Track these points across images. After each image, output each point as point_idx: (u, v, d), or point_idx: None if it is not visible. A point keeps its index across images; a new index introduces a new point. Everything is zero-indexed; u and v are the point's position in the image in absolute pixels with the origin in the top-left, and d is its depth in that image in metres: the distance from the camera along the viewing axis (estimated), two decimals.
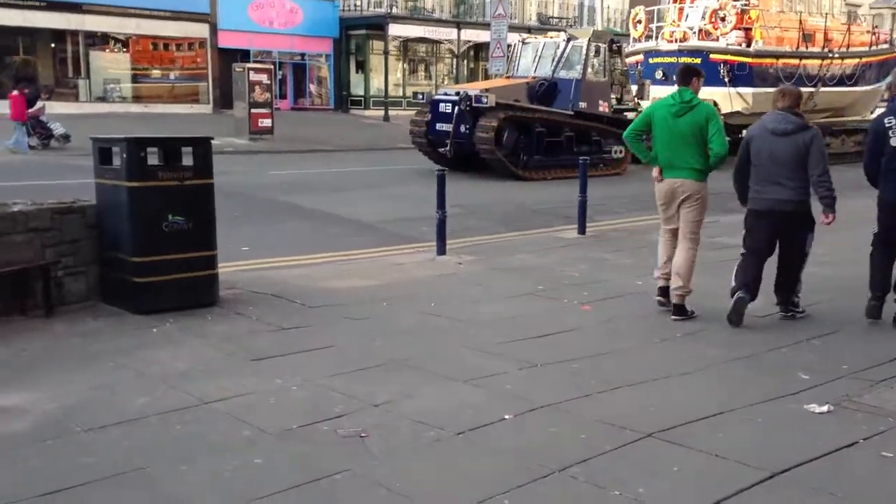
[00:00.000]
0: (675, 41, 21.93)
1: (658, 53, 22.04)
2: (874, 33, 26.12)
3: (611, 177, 18.34)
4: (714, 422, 4.28)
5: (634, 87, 21.68)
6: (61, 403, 4.34)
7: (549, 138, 17.82)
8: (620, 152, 18.87)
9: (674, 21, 22.82)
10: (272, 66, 28.09)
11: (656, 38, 22.44)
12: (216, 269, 6.60)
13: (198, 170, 6.37)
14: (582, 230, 10.55)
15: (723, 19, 21.64)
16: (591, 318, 6.49)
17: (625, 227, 11.46)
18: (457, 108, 17.03)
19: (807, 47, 22.74)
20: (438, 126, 17.59)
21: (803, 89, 21.84)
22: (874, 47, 25.12)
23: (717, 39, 21.44)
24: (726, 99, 20.89)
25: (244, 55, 32.50)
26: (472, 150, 17.07)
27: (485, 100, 16.76)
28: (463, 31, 38.30)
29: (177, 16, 31.94)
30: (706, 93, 20.53)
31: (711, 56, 20.93)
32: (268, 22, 33.80)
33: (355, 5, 37.46)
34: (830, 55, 23.27)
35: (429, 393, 4.64)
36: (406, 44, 38.33)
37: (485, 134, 16.67)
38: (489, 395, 4.61)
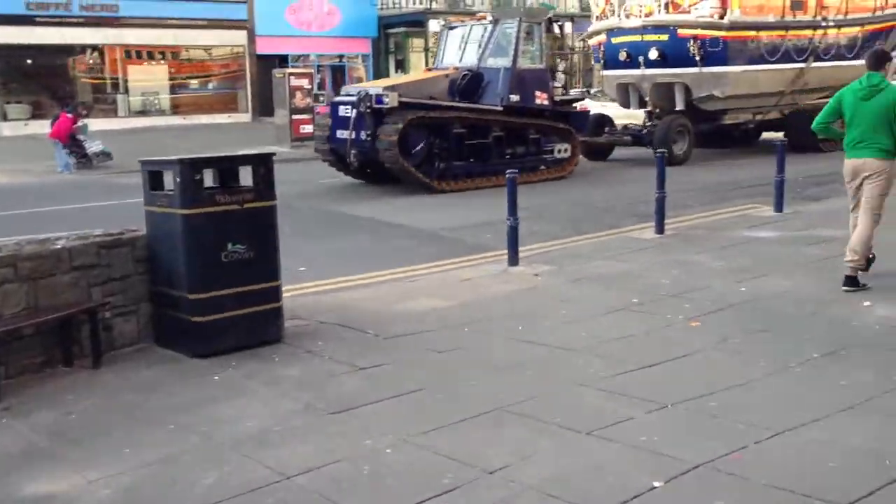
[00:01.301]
0: (641, 16, 18.63)
1: (621, 31, 18.68)
2: None
3: (556, 180, 15.66)
4: None
5: (609, 73, 19.16)
6: (116, 488, 3.64)
7: (472, 140, 14.82)
8: (566, 151, 16.31)
9: None
10: (311, 71, 27.55)
11: (619, 13, 18.99)
12: (281, 301, 5.92)
13: (259, 191, 5.69)
14: (660, 229, 9.70)
15: None
16: (703, 337, 5.66)
17: (703, 224, 10.56)
18: (355, 110, 14.31)
19: (794, 15, 18.76)
20: (339, 133, 14.70)
21: (790, 66, 18.70)
22: (880, 13, 20.40)
23: (689, 11, 18.08)
24: (698, 81, 17.84)
25: (282, 60, 32.02)
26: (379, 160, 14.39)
27: (385, 99, 13.98)
28: None
29: (214, 24, 31.55)
30: (674, 74, 17.85)
31: (680, 31, 17.68)
32: (305, 25, 33.24)
33: (394, 3, 36.77)
34: (824, 24, 19.16)
35: (550, 451, 3.88)
36: None
37: (386, 139, 13.83)
38: (624, 452, 3.83)
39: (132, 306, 5.78)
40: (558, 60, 17.02)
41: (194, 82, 33.05)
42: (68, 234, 5.75)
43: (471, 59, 15.80)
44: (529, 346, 5.64)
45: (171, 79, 32.25)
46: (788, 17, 18.50)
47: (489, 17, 16.01)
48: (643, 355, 5.28)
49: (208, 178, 5.60)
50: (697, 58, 17.42)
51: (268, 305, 5.77)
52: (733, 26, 17.64)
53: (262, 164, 5.74)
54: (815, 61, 19.08)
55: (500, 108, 15.16)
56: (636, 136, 18.47)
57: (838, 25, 19.36)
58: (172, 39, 31.38)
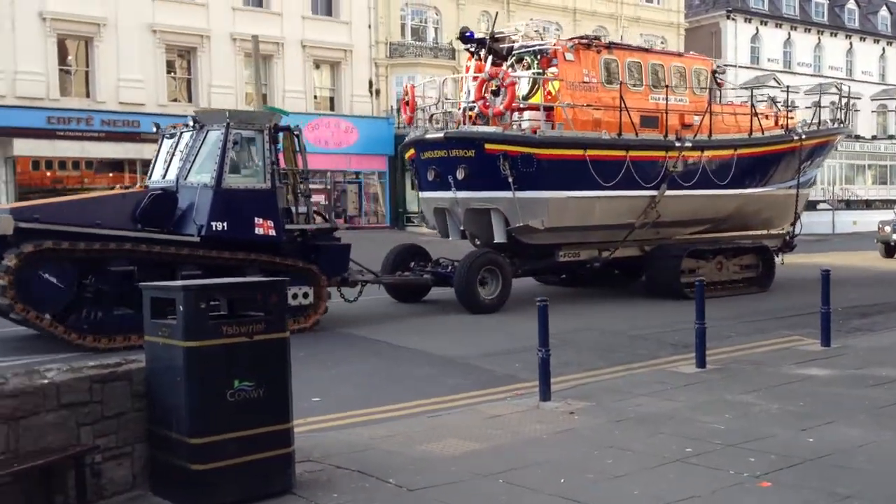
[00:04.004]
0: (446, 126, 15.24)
1: (425, 145, 14.98)
2: (767, 115, 18.11)
3: (296, 333, 10.58)
4: None
5: (424, 195, 15.80)
6: None
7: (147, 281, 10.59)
8: (306, 296, 12.15)
9: (450, 99, 16.45)
10: (328, 187, 27.54)
11: (428, 123, 15.62)
12: (292, 446, 5.22)
13: (270, 322, 5.09)
14: (702, 363, 8.98)
15: (495, 93, 14.35)
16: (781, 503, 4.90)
17: (745, 357, 9.84)
18: None
19: (636, 133, 15.22)
20: None
21: (635, 193, 15.41)
22: (759, 134, 17.16)
23: (509, 124, 14.61)
24: (513, 208, 14.25)
25: None
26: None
27: None
28: None
29: None
30: (486, 198, 14.58)
31: (487, 146, 14.06)
32: (323, 142, 33.55)
33: None
34: (679, 144, 15.58)
35: None
36: None
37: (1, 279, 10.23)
38: None
39: (126, 448, 5.10)
40: (298, 180, 13.03)
41: None
42: (59, 364, 5.14)
43: (174, 175, 12.10)
44: None
45: None
46: (629, 135, 15.11)
47: (191, 122, 12.20)
48: None
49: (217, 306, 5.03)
50: (510, 179, 14.01)
51: (278, 451, 5.09)
52: (546, 142, 14.28)
53: (275, 290, 5.17)
54: (670, 189, 15.61)
55: (195, 240, 11.44)
56: (440, 276, 14.82)
57: (701, 147, 15.96)
58: None
